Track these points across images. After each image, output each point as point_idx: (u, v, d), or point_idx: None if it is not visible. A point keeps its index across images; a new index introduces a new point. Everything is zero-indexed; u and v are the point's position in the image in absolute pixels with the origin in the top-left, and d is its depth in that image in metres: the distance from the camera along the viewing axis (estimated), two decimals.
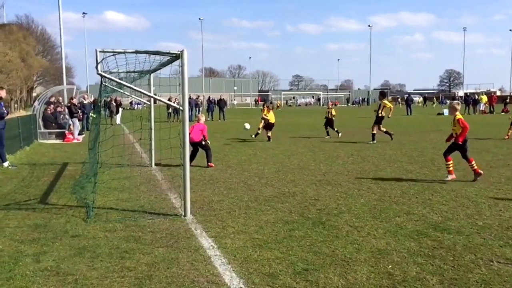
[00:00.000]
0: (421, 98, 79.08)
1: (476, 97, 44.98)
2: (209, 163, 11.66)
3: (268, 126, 18.43)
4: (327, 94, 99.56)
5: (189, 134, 11.56)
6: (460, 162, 12.01)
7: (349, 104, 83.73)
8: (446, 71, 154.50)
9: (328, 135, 19.28)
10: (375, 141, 16.71)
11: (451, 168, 9.68)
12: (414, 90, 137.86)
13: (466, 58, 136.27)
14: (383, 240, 5.77)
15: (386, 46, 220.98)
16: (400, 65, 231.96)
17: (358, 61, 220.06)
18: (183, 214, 6.98)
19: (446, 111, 41.62)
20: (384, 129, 17.27)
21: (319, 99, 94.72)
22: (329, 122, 19.48)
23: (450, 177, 9.58)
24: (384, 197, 8.12)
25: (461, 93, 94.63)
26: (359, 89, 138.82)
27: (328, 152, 14.48)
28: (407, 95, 55.95)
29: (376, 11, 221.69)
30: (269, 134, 18.30)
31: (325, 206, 7.53)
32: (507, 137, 17.77)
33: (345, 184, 9.31)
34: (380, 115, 17.11)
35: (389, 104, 17.31)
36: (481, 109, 42.65)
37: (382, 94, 18.11)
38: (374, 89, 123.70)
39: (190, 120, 8.61)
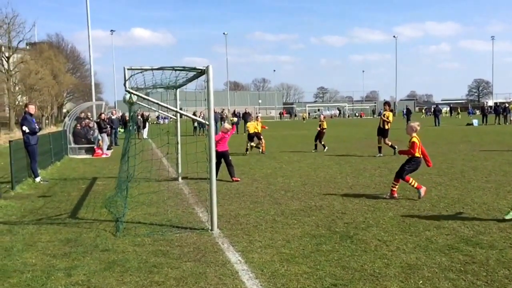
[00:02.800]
0: (448, 109, 77.53)
1: (507, 105, 43.93)
2: (233, 178, 11.68)
3: (249, 137, 18.74)
4: (352, 106, 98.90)
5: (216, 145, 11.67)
6: (492, 174, 11.73)
7: (374, 116, 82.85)
8: (475, 80, 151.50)
9: (315, 148, 19.05)
10: (381, 154, 16.37)
11: (415, 185, 8.95)
12: (441, 100, 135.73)
13: (495, 66, 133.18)
14: (413, 254, 5.67)
15: (412, 56, 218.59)
16: (427, 75, 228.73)
17: (384, 72, 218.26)
18: (210, 228, 7.01)
19: (475, 122, 40.82)
20: (390, 143, 16.59)
21: (339, 110, 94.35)
22: (319, 135, 19.19)
23: (422, 191, 8.89)
24: (413, 210, 7.98)
25: (490, 102, 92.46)
26: (384, 100, 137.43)
27: (354, 165, 14.35)
28: (435, 106, 55.09)
29: (401, 22, 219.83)
30: (252, 144, 18.60)
31: (352, 220, 7.45)
32: None
33: (372, 197, 9.19)
34: (386, 127, 16.54)
35: (391, 117, 16.71)
36: (511, 119, 41.58)
37: (388, 104, 17.49)
38: (401, 100, 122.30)
39: (216, 133, 8.67)
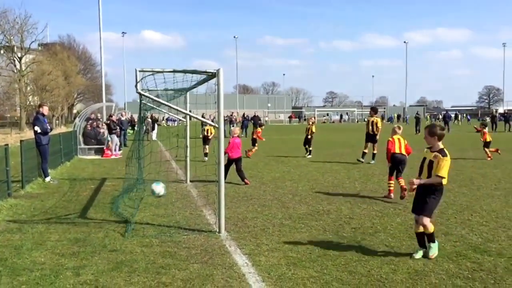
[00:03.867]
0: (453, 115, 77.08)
1: None
2: (245, 180, 11.74)
3: (206, 140, 17.93)
4: (361, 111, 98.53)
5: (229, 152, 11.71)
6: (502, 181, 11.65)
7: (384, 121, 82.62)
8: (485, 87, 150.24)
9: (307, 152, 18.97)
10: (374, 161, 16.02)
11: (391, 188, 9.84)
12: (451, 106, 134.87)
13: (506, 73, 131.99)
14: (421, 261, 5.65)
15: (422, 62, 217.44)
16: (437, 81, 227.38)
17: (393, 77, 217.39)
18: (217, 230, 7.04)
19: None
20: (376, 151, 16.21)
21: (341, 116, 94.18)
22: (307, 139, 19.07)
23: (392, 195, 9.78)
24: None
25: (501, 109, 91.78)
26: (394, 105, 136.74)
27: (363, 170, 14.31)
28: (444, 112, 54.78)
29: (411, 27, 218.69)
30: (206, 151, 17.66)
31: (360, 225, 7.44)
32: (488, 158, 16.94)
33: (380, 203, 9.18)
34: (376, 133, 16.11)
35: (380, 123, 16.33)
36: None
37: (374, 110, 16.99)
38: (410, 105, 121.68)
39: (225, 136, 8.69)
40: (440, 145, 5.74)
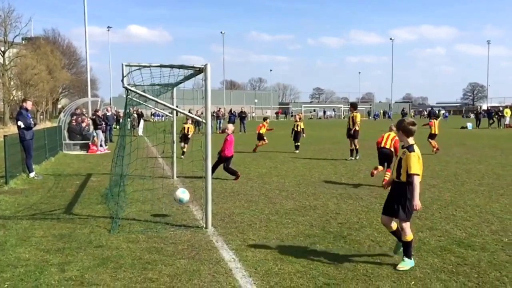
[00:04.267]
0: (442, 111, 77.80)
1: (501, 109, 44.38)
2: (237, 173, 11.73)
3: (185, 138, 17.56)
4: (348, 107, 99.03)
5: (225, 150, 11.65)
6: (485, 177, 11.83)
7: (370, 117, 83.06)
8: (470, 84, 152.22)
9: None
10: (358, 156, 16.01)
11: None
12: (436, 103, 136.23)
13: (490, 71, 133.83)
14: None
15: (408, 59, 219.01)
16: (422, 78, 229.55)
17: (380, 74, 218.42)
18: (204, 226, 7.03)
19: (469, 125, 41.07)
20: (357, 146, 16.13)
21: (324, 112, 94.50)
22: (296, 136, 19.18)
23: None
24: None
25: (485, 106, 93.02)
26: (380, 102, 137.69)
27: (349, 166, 14.40)
28: (429, 109, 55.33)
29: (397, 24, 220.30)
30: (184, 150, 17.23)
31: (346, 220, 7.49)
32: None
33: (366, 198, 9.25)
34: (357, 129, 15.92)
35: (359, 118, 16.19)
36: (506, 123, 41.92)
37: (354, 106, 16.95)
38: (396, 102, 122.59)
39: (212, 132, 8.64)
40: (410, 141, 5.30)
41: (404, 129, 5.31)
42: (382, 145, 10.35)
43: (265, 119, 21.44)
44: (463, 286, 4.75)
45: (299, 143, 19.15)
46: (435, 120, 19.19)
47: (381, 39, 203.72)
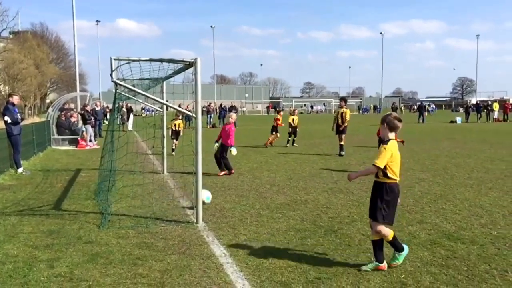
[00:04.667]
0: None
1: (489, 103, 44.80)
2: (228, 171, 11.69)
3: (176, 134, 16.94)
4: (338, 101, 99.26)
5: (227, 138, 11.59)
6: (474, 170, 11.93)
7: (360, 112, 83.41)
8: (459, 78, 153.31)
9: (291, 143, 19.18)
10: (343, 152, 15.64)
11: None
12: (426, 97, 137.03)
13: (479, 65, 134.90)
14: None
15: (398, 54, 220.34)
16: (412, 72, 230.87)
17: (370, 68, 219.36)
18: (195, 221, 7.00)
19: (458, 119, 41.39)
20: (342, 143, 15.74)
21: (311, 106, 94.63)
22: (293, 130, 19.22)
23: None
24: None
25: (474, 100, 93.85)
26: (370, 96, 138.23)
27: (340, 160, 14.44)
28: (419, 103, 55.62)
29: (386, 19, 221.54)
30: (173, 147, 16.54)
31: (337, 215, 7.51)
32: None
33: (357, 192, 9.27)
34: (346, 124, 15.70)
35: (348, 115, 15.90)
36: (494, 117, 42.32)
37: (345, 101, 16.51)
38: (386, 96, 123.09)
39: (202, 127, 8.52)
40: (390, 136, 5.05)
41: (388, 122, 5.06)
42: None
43: (278, 111, 21.20)
44: (453, 279, 4.77)
45: (290, 138, 19.23)
46: None
47: (371, 34, 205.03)
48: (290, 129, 19.38)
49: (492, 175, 11.16)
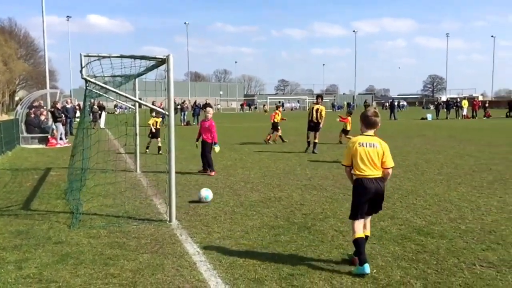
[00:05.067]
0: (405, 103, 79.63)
1: (459, 100, 45.91)
2: (212, 171, 11.36)
3: (154, 133, 16.10)
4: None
5: (209, 135, 11.34)
6: (444, 166, 12.19)
7: (334, 109, 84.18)
8: (430, 76, 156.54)
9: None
10: (316, 150, 15.61)
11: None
12: (398, 95, 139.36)
13: (449, 63, 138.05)
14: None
15: (370, 52, 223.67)
16: (384, 70, 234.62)
17: (343, 66, 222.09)
18: (168, 219, 6.94)
19: (429, 116, 42.23)
20: (317, 140, 15.73)
21: (282, 104, 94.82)
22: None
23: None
24: None
25: (444, 98, 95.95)
26: (344, 93, 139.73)
27: (313, 157, 14.54)
28: (391, 100, 56.53)
29: (359, 17, 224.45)
30: (159, 144, 15.69)
31: (310, 211, 7.56)
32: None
33: (330, 189, 9.35)
34: (320, 121, 15.71)
35: (324, 112, 15.97)
36: (463, 114, 43.39)
37: (321, 98, 16.55)
38: (359, 93, 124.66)
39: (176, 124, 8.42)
40: (369, 132, 5.03)
41: (363, 118, 5.04)
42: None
43: (278, 107, 21.15)
44: (423, 273, 4.87)
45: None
46: (349, 117, 19.16)
47: (345, 32, 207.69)
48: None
49: (461, 171, 11.43)
